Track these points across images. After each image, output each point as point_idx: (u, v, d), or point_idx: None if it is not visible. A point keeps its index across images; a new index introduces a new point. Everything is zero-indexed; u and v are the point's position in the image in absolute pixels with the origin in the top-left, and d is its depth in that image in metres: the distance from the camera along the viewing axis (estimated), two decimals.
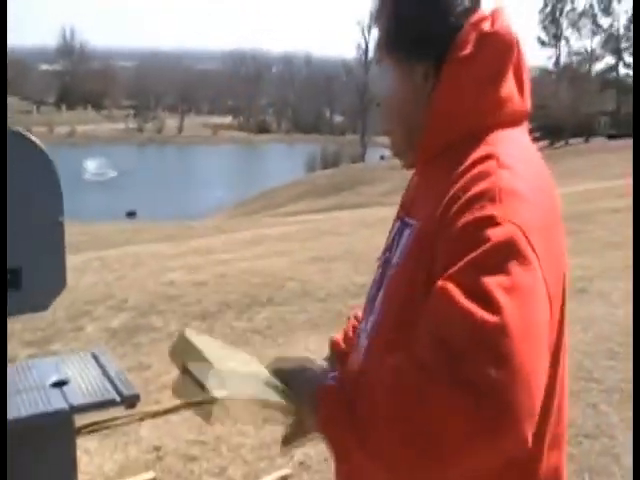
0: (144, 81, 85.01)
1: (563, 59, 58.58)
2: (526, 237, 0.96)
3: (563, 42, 58.40)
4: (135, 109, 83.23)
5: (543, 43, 58.45)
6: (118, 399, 1.69)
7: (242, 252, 9.41)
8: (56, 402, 1.62)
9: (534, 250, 0.97)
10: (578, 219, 8.84)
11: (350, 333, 1.43)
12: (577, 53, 58.62)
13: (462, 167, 1.07)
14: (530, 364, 0.89)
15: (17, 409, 1.58)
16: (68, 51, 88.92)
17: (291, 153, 66.19)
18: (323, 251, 8.62)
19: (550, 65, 58.46)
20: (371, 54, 68.07)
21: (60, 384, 1.70)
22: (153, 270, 8.07)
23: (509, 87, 1.16)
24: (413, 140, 1.19)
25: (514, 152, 1.10)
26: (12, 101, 77.57)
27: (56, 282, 1.65)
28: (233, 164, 60.13)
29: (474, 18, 1.15)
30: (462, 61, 1.13)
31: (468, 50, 1.13)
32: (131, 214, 30.22)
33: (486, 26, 1.14)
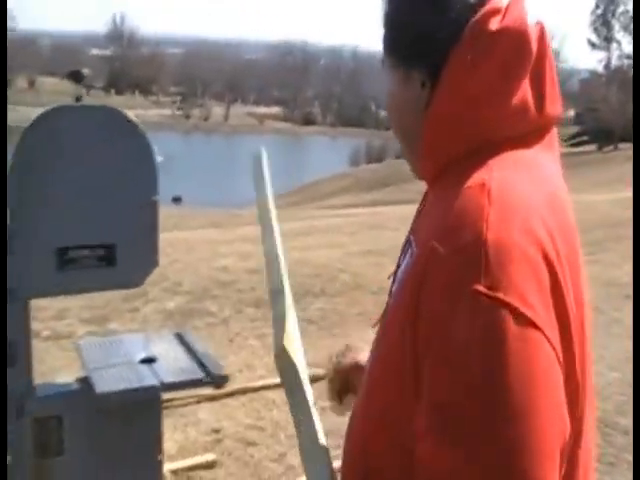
0: (191, 68, 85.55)
1: (614, 62, 57.28)
2: (518, 314, 0.82)
3: (614, 45, 57.12)
4: (182, 96, 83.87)
5: (594, 45, 57.19)
6: (207, 379, 1.70)
7: (291, 242, 9.41)
8: (147, 379, 1.64)
9: (533, 324, 0.82)
10: (628, 225, 8.67)
11: None
12: (628, 56, 57.31)
13: (456, 192, 0.92)
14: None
15: (109, 383, 1.60)
16: (118, 37, 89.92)
17: (335, 146, 66.15)
18: (372, 245, 8.58)
19: (600, 68, 57.26)
20: None
21: (149, 361, 1.72)
22: (205, 255, 8.13)
23: (523, 95, 0.98)
24: (417, 152, 1.05)
25: (516, 179, 0.93)
26: (63, 83, 78.75)
27: (149, 260, 1.67)
28: (278, 154, 60.27)
29: (481, 14, 0.97)
30: (462, 66, 0.97)
31: (469, 52, 0.97)
32: (177, 200, 30.48)
33: (494, 22, 0.96)
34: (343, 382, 1.30)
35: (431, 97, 1.01)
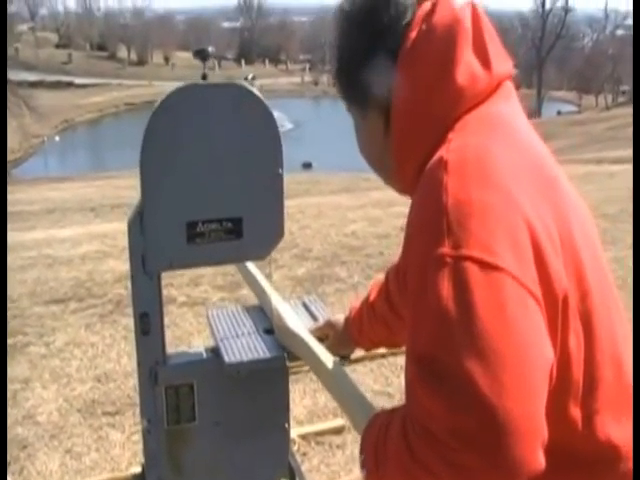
0: (319, 36, 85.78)
1: None
2: (482, 262, 0.87)
3: None
4: (310, 63, 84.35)
5: None
6: None
7: None
8: (273, 349, 1.67)
9: (498, 268, 0.87)
10: None
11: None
12: None
13: (422, 177, 1.02)
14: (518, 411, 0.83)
15: (236, 354, 1.64)
16: (247, 8, 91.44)
17: None
18: None
19: None
20: (549, 5, 64.92)
21: (271, 332, 1.75)
22: (334, 221, 8.21)
23: (467, 67, 1.05)
24: (393, 174, 1.15)
25: (474, 135, 1.00)
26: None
27: (275, 232, 1.69)
28: None
29: (410, 34, 1.07)
30: (405, 79, 1.06)
31: (406, 69, 1.06)
32: (307, 165, 30.84)
33: (423, 27, 1.07)
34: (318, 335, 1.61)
35: (389, 119, 1.10)
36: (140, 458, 3.28)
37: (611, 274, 1.13)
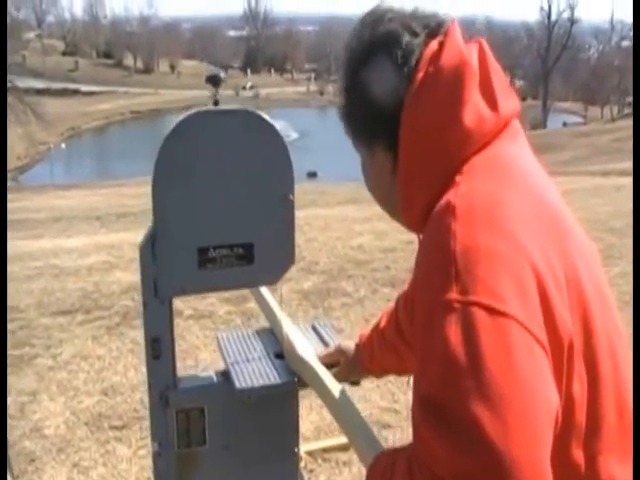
0: (325, 45, 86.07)
1: None
2: (489, 308, 0.88)
3: None
4: (316, 73, 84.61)
5: None
6: None
7: None
8: (283, 374, 1.67)
9: (505, 314, 0.88)
10: None
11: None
12: None
13: (430, 220, 1.03)
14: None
15: (247, 379, 1.65)
16: (254, 17, 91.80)
17: None
18: None
19: None
20: (554, 16, 64.99)
21: (281, 356, 1.76)
22: (341, 234, 8.22)
23: (474, 107, 1.05)
24: (401, 211, 1.16)
25: (482, 180, 1.01)
26: (202, 65, 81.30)
27: (285, 258, 1.70)
28: None
29: (419, 70, 1.08)
30: (412, 118, 1.07)
31: (414, 109, 1.07)
32: (312, 175, 30.89)
33: (430, 70, 1.07)
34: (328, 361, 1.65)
35: (396, 158, 1.10)
36: (147, 473, 3.30)
37: (616, 309, 1.14)
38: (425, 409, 0.91)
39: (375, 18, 1.15)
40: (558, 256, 0.98)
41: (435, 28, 1.13)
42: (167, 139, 1.54)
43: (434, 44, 1.10)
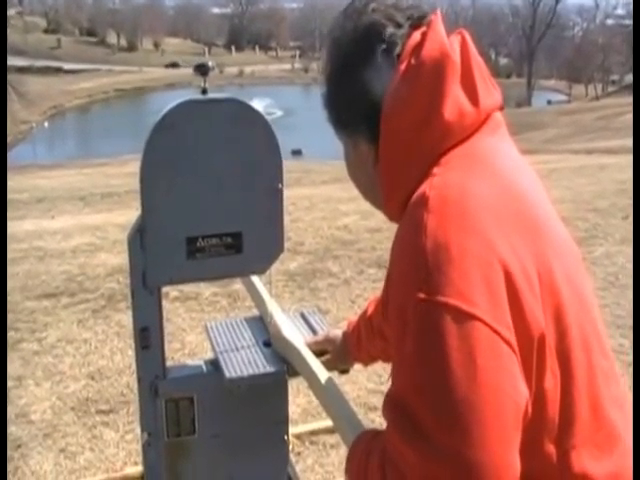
0: (309, 23, 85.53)
1: None
2: (456, 309, 0.89)
3: None
4: (300, 50, 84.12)
5: None
6: None
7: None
8: (272, 363, 1.68)
9: (472, 316, 0.89)
10: None
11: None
12: None
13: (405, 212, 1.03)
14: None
15: (236, 368, 1.65)
16: None
17: None
18: None
19: None
20: None
21: (270, 344, 1.76)
22: (326, 214, 8.21)
23: (455, 101, 1.05)
24: (382, 201, 1.17)
25: (458, 172, 1.01)
26: (186, 43, 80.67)
27: (274, 246, 1.70)
28: None
29: (400, 65, 1.07)
30: (394, 109, 1.06)
31: (395, 102, 1.06)
32: (296, 152, 30.77)
33: (413, 61, 1.06)
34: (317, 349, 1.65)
35: (378, 150, 1.11)
36: (135, 458, 3.30)
37: (597, 307, 1.13)
38: (393, 410, 0.94)
39: (358, 8, 1.14)
40: (530, 252, 0.98)
41: (418, 19, 1.12)
42: (155, 129, 1.52)
43: (417, 35, 1.09)
